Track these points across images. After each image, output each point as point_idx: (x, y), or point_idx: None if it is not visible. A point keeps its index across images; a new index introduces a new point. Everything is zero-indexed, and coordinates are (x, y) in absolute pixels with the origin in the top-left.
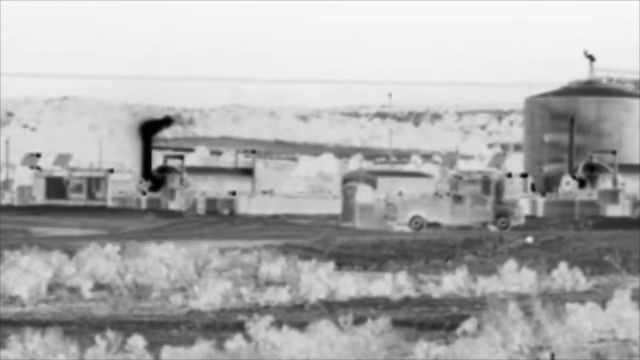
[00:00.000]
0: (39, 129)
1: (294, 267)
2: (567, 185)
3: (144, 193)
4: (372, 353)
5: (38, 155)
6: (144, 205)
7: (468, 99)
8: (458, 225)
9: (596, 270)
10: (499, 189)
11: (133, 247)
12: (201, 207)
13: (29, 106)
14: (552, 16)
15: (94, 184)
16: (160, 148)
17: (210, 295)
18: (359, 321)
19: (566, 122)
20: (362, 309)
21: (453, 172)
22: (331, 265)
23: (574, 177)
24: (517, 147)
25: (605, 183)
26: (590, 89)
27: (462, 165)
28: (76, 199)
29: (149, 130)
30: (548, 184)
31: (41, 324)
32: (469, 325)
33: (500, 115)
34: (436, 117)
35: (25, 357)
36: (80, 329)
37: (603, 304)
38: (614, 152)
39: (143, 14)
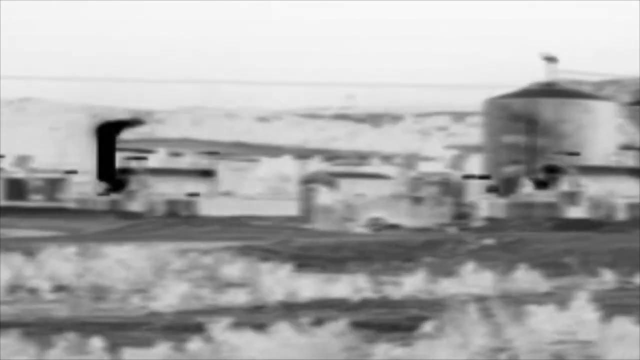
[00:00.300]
0: None
1: (254, 269)
2: (527, 187)
3: (102, 194)
4: (332, 354)
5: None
6: (104, 207)
7: (428, 101)
8: (418, 227)
9: (556, 272)
10: (459, 190)
11: (93, 248)
12: (161, 209)
13: None
14: (511, 17)
15: (54, 185)
16: (121, 150)
17: (169, 297)
18: (318, 323)
19: (526, 124)
20: (322, 310)
21: (413, 174)
22: (290, 266)
23: (533, 178)
24: (477, 149)
25: (565, 185)
26: (549, 90)
27: (422, 167)
28: (36, 200)
29: (111, 131)
30: (508, 186)
31: (1, 326)
32: (428, 326)
33: (459, 117)
34: (396, 118)
35: None
36: (40, 330)
37: (563, 305)
38: (576, 154)
39: (103, 15)
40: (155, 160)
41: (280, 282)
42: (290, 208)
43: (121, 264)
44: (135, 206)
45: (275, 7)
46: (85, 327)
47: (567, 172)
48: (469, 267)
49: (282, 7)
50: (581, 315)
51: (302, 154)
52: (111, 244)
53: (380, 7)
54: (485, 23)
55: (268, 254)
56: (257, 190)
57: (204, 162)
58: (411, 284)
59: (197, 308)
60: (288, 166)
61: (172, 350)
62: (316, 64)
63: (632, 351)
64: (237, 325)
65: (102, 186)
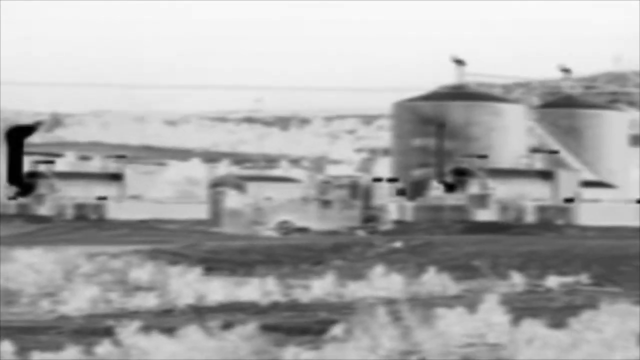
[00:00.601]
0: None
1: (163, 272)
2: (436, 190)
3: (11, 198)
4: (241, 358)
5: None
6: (13, 211)
7: (336, 104)
8: (326, 230)
9: (465, 275)
10: (367, 193)
11: (2, 252)
12: (70, 212)
13: None
14: (420, 18)
15: None
16: (29, 153)
17: (79, 301)
18: (227, 326)
19: (435, 127)
20: (231, 314)
21: (321, 177)
22: (199, 270)
23: (442, 181)
24: (386, 152)
25: (474, 187)
26: (458, 93)
27: (331, 170)
28: None
29: (18, 135)
30: (417, 189)
31: None
32: (337, 329)
33: (368, 120)
34: (304, 121)
35: None
36: None
37: (472, 308)
38: (484, 157)
39: (6, 15)
40: (64, 164)
41: (189, 285)
42: (199, 211)
43: (30, 267)
44: (44, 210)
45: (182, 8)
46: None
47: (476, 175)
48: (378, 270)
49: (189, 8)
50: (490, 318)
51: (211, 157)
52: (20, 248)
53: (288, 8)
54: (394, 24)
55: (177, 258)
56: (166, 193)
57: (112, 166)
58: (320, 287)
59: (106, 312)
60: (197, 170)
61: (81, 353)
62: (224, 67)
63: (541, 353)
64: (146, 328)
65: (12, 190)
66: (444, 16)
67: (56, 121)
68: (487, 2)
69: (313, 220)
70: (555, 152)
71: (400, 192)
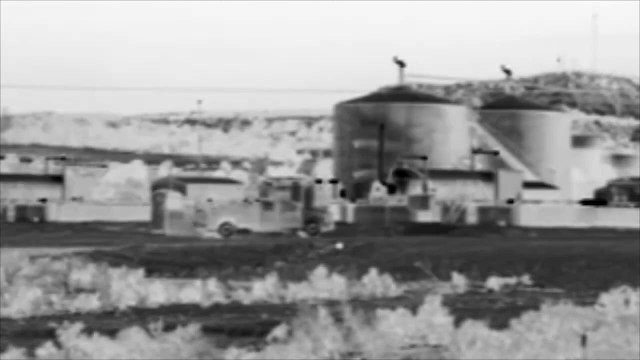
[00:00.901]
0: None
1: (104, 274)
2: (377, 191)
3: None
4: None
5: None
6: None
7: (277, 105)
8: (268, 232)
9: (407, 276)
10: (309, 195)
11: None
12: (11, 215)
13: None
14: (362, 20)
15: None
16: None
17: (20, 303)
18: (169, 328)
19: (376, 128)
20: (172, 315)
21: (262, 179)
22: (141, 272)
23: (384, 183)
24: (327, 153)
25: (415, 189)
26: (400, 94)
27: (272, 172)
28: None
29: None
30: (358, 190)
31: None
32: (279, 331)
33: (309, 121)
34: (245, 123)
35: None
36: None
37: (414, 309)
38: (424, 158)
39: None
40: (5, 165)
41: (130, 287)
42: (140, 213)
43: None
44: None
45: (123, 10)
46: None
47: (417, 176)
48: (320, 271)
49: (130, 11)
50: (432, 319)
51: (152, 159)
52: None
53: (228, 10)
54: (335, 26)
55: (119, 260)
56: (108, 195)
57: (54, 168)
58: (262, 288)
59: (48, 314)
60: (138, 171)
61: (23, 355)
62: (166, 69)
63: (483, 354)
64: (88, 330)
65: None
66: (385, 18)
67: (6, 122)
68: (428, 3)
69: (254, 221)
70: (497, 152)
71: (342, 194)
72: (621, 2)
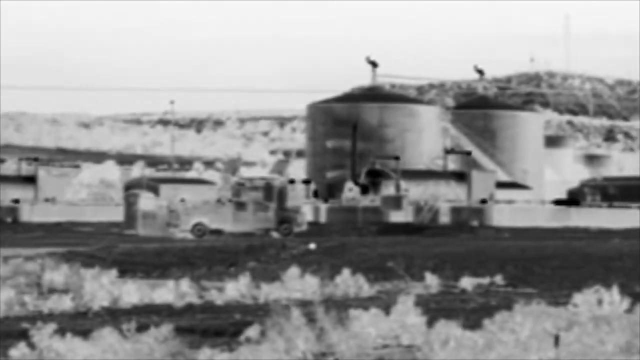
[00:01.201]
0: None
1: (77, 275)
2: (350, 192)
3: None
4: None
5: None
6: None
7: (250, 106)
8: (241, 232)
9: (379, 276)
10: (282, 195)
11: None
12: None
13: None
14: (334, 20)
15: None
16: None
17: None
18: (142, 328)
19: (349, 128)
20: (145, 316)
21: (235, 179)
22: (114, 272)
23: (356, 183)
24: (300, 154)
25: (388, 189)
26: (372, 95)
27: (245, 172)
28: None
29: None
30: (331, 190)
31: None
32: (252, 331)
33: (282, 121)
34: (218, 123)
35: None
36: None
37: (387, 310)
38: (397, 158)
39: None
40: None
41: (103, 288)
42: (113, 214)
43: None
44: None
45: (95, 9)
46: None
47: (390, 177)
48: (292, 272)
49: (102, 10)
50: (405, 319)
51: (125, 159)
52: None
53: (200, 10)
54: (307, 25)
55: (92, 260)
56: (81, 196)
57: (26, 169)
58: (235, 289)
59: (21, 314)
60: (111, 172)
61: None
62: (138, 70)
63: (456, 354)
64: (61, 331)
65: None
66: (357, 18)
67: None
68: (401, 3)
69: (227, 222)
70: (470, 153)
71: (315, 194)
72: (594, 2)
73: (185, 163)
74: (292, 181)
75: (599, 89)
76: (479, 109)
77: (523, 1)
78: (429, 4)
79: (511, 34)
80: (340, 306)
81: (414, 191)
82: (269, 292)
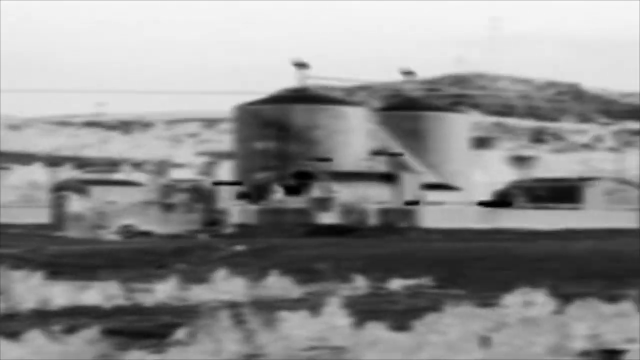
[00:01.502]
0: None
1: (6, 277)
2: (278, 194)
3: None
4: None
5: None
6: None
7: (178, 107)
8: (169, 234)
9: (308, 278)
10: (210, 197)
11: None
12: None
13: None
14: (262, 21)
15: None
16: None
17: None
18: (70, 330)
19: (277, 130)
20: (74, 318)
21: (164, 181)
22: (42, 274)
23: (285, 185)
24: (228, 156)
25: (317, 191)
26: (301, 96)
27: (173, 174)
28: None
29: None
30: (259, 192)
31: None
32: (181, 333)
33: (210, 123)
34: (146, 125)
35: None
36: None
37: (315, 311)
38: (328, 160)
39: None
40: None
41: (32, 290)
42: (41, 216)
43: None
44: None
45: (23, 10)
46: None
47: (318, 178)
48: (221, 273)
49: (30, 10)
50: (333, 321)
51: (54, 161)
52: None
53: (127, 10)
54: (235, 27)
55: (20, 262)
56: (9, 198)
57: None
58: (163, 290)
59: None
60: (39, 174)
61: None
62: (67, 72)
63: (385, 356)
64: None
65: None
66: (286, 19)
67: None
68: (329, 4)
69: (155, 224)
70: (398, 154)
71: (243, 196)
72: (523, 4)
73: (113, 165)
74: (220, 183)
75: (527, 91)
76: (407, 110)
77: (453, 2)
78: (354, 5)
79: (441, 36)
80: (268, 308)
81: (343, 193)
82: (197, 293)
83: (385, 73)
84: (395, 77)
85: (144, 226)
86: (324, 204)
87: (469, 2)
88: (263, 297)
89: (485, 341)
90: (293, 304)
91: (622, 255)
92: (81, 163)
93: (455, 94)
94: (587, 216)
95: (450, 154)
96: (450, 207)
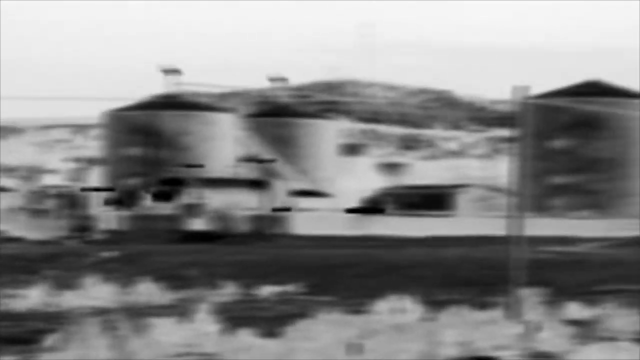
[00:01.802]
0: None
1: None
2: (149, 200)
3: None
4: None
5: None
6: None
7: (48, 113)
8: (39, 240)
9: (178, 284)
10: (80, 203)
11: None
12: None
13: None
14: (133, 26)
15: None
16: None
17: None
18: None
19: (147, 136)
20: None
21: (34, 187)
22: None
23: (155, 191)
24: (98, 161)
25: (187, 197)
26: (170, 102)
27: (44, 180)
28: None
29: None
30: (130, 198)
31: None
32: (51, 339)
33: (80, 129)
34: (17, 131)
35: None
36: None
37: (185, 317)
38: (201, 166)
39: None
40: None
41: None
42: None
43: None
44: None
45: None
46: None
47: (188, 185)
48: (91, 279)
49: None
50: (204, 327)
51: None
52: None
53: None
54: (106, 28)
55: None
56: None
57: None
58: (34, 296)
59: None
60: None
61: None
62: None
63: None
64: None
65: None
66: (157, 24)
67: None
68: (202, 9)
69: (25, 229)
70: (269, 161)
71: (113, 202)
72: (395, 10)
73: None
74: (90, 189)
75: (398, 98)
76: (277, 116)
77: (325, 9)
78: (232, 11)
79: (313, 43)
80: (138, 314)
81: (213, 199)
82: (68, 299)
83: (257, 79)
84: (266, 83)
85: (13, 232)
86: (194, 210)
87: (342, 9)
88: (133, 303)
89: (356, 348)
90: (163, 310)
91: (492, 262)
92: None
93: (326, 100)
94: (458, 223)
95: (320, 161)
96: (320, 214)
